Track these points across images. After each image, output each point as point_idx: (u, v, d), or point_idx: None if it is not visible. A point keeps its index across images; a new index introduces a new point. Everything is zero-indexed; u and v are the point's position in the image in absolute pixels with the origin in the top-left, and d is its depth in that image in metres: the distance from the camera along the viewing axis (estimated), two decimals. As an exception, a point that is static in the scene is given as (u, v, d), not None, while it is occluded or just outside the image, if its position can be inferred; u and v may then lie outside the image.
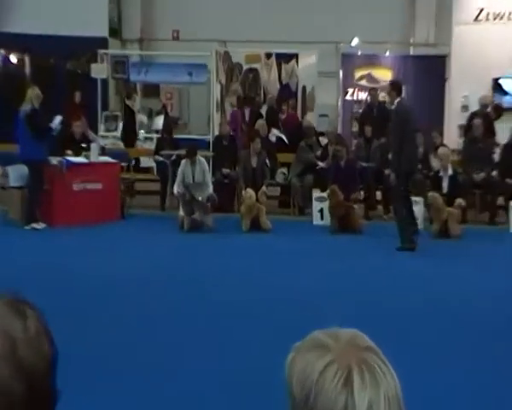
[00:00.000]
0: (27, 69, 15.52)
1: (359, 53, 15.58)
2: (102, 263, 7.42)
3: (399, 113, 8.38)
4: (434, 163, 10.65)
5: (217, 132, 12.90)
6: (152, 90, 16.13)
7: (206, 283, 6.65)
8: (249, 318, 5.55)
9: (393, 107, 8.61)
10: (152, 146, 12.90)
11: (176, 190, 9.82)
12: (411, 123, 8.47)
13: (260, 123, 12.34)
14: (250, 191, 9.74)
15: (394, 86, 8.65)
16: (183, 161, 9.98)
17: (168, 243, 8.72)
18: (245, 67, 14.75)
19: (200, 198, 9.62)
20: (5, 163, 10.26)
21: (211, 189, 9.94)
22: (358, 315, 5.38)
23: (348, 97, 15.46)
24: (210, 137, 13.08)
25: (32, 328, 0.95)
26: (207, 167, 10.11)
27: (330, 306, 5.88)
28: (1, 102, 14.04)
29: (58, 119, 9.78)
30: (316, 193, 10.76)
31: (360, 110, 14.24)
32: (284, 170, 11.75)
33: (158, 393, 3.99)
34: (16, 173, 9.94)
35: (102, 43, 15.19)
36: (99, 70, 13.96)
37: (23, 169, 9.70)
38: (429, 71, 15.07)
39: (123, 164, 11.44)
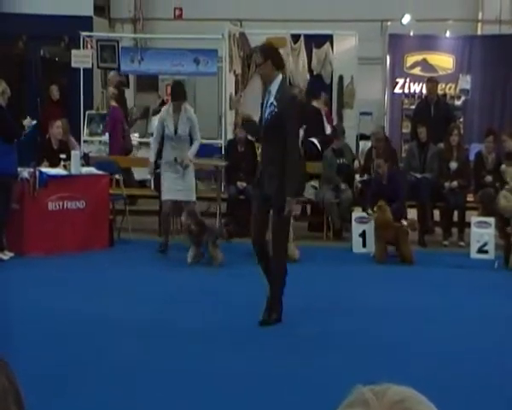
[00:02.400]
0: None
1: (411, 34, 15.67)
2: (83, 303, 7.51)
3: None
4: (508, 174, 10.64)
5: (230, 136, 13.00)
6: (149, 83, 16.33)
7: (212, 337, 6.69)
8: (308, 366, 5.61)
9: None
10: (148, 154, 13.04)
11: (152, 154, 10.19)
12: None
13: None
14: None
15: None
16: (165, 107, 10.05)
17: (171, 279, 8.80)
18: (266, 52, 14.87)
19: (179, 161, 9.75)
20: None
21: (196, 147, 9.99)
22: (424, 370, 5.42)
23: (397, 90, 15.54)
24: (221, 142, 13.21)
25: (10, 382, 1.02)
26: (196, 119, 10.00)
27: (382, 355, 5.91)
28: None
29: (29, 120, 9.97)
30: (356, 212, 10.80)
31: (413, 106, 14.30)
32: (315, 183, 11.82)
33: None
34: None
35: (86, 23, 15.43)
36: (82, 58, 14.20)
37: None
38: (503, 55, 15.10)
39: (112, 177, 11.59)
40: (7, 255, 9.59)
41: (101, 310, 7.27)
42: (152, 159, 10.24)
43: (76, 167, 10.58)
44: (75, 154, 10.72)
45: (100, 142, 14.45)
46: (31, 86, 15.05)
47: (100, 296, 7.85)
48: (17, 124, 9.91)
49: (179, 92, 10.07)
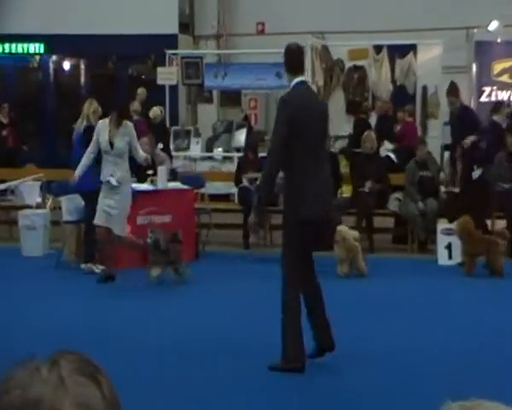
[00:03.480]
0: (82, 77, 16.39)
1: (499, 40, 15.37)
2: (171, 317, 7.69)
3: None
4: None
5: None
6: (232, 98, 16.54)
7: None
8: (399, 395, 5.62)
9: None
10: (232, 168, 13.22)
11: (83, 163, 9.32)
12: None
13: (369, 136, 12.41)
14: (344, 230, 9.62)
15: None
16: (102, 121, 9.43)
17: (254, 292, 8.89)
18: (348, 64, 14.91)
19: (113, 179, 9.03)
20: (58, 193, 10.84)
21: (141, 159, 9.55)
22: None
23: (484, 99, 15.25)
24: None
25: (108, 396, 1.05)
26: (135, 134, 9.48)
27: (474, 376, 5.82)
28: (54, 119, 14.83)
29: None
30: (442, 224, 10.66)
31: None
32: (399, 195, 11.74)
33: None
34: (71, 206, 10.48)
35: (171, 41, 15.79)
36: (167, 75, 14.54)
37: (79, 200, 10.22)
38: None
39: (197, 191, 11.81)
40: (98, 268, 9.90)
41: (185, 325, 7.42)
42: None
43: (163, 182, 10.82)
44: (162, 169, 10.97)
45: (185, 157, 14.74)
46: (119, 104, 15.46)
47: (185, 309, 8.02)
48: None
49: (125, 111, 10.10)
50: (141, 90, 14.34)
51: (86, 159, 9.27)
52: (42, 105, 16.63)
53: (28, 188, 12.11)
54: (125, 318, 7.68)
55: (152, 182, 10.86)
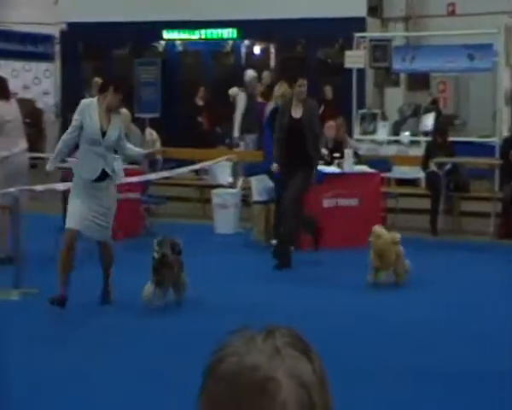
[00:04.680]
0: (272, 61, 16.70)
1: None
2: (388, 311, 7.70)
3: None
4: None
5: (506, 133, 12.53)
6: (420, 81, 16.21)
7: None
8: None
9: None
10: (419, 152, 12.99)
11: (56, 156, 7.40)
12: None
13: None
14: (378, 230, 8.24)
15: None
16: (89, 100, 7.51)
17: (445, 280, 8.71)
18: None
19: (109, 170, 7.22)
20: (249, 174, 11.17)
21: (138, 153, 8.18)
22: None
23: None
24: (496, 140, 12.75)
25: (318, 373, 1.07)
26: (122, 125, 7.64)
27: None
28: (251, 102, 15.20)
29: None
30: None
31: None
32: None
33: None
34: (260, 186, 10.75)
35: (359, 24, 15.67)
36: (355, 58, 14.46)
37: (268, 181, 10.46)
38: None
39: (383, 175, 11.70)
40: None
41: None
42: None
43: (349, 165, 10.83)
44: (348, 152, 10.98)
45: (371, 141, 14.64)
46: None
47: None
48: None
49: (123, 84, 8.06)
50: (266, 74, 14.46)
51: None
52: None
53: (221, 168, 12.57)
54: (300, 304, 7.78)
55: (338, 165, 10.89)
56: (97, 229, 7.14)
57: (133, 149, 7.93)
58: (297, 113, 9.07)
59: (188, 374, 2.97)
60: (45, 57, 16.89)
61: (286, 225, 9.25)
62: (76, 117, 7.19)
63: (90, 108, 7.17)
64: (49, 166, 7.42)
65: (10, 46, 16.06)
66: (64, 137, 7.35)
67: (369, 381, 5.43)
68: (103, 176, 7.15)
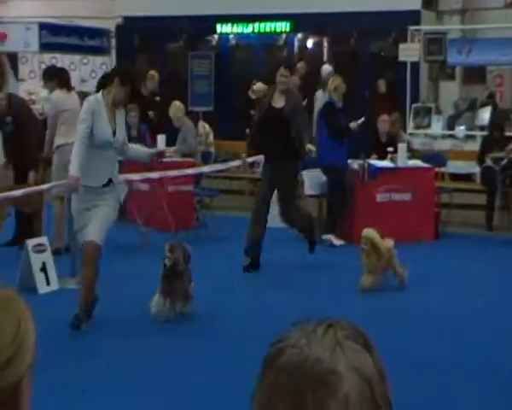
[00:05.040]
0: (325, 55, 16.61)
1: None
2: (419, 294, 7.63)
3: None
4: None
5: None
6: (475, 75, 15.90)
7: None
8: None
9: None
10: (474, 147, 12.80)
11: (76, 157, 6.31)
12: None
13: None
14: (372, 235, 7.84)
15: None
16: (94, 98, 6.50)
17: (495, 276, 8.57)
18: None
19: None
20: (302, 168, 11.12)
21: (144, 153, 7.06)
22: None
23: None
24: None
25: (378, 366, 1.07)
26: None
27: None
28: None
29: (361, 120, 10.21)
30: None
31: None
32: None
33: None
34: (312, 180, 10.72)
35: (414, 17, 15.48)
36: (409, 51, 14.30)
37: (320, 175, 10.43)
38: None
39: (437, 170, 11.56)
40: (338, 242, 10.05)
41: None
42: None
43: (403, 160, 10.72)
44: (402, 147, 10.86)
45: (425, 135, 14.46)
46: (361, 82, 15.49)
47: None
48: (345, 124, 10.19)
49: (128, 75, 6.68)
50: (300, 65, 14.29)
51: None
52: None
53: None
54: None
55: (392, 159, 10.79)
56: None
57: (138, 149, 7.11)
58: (278, 103, 8.82)
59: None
60: (102, 51, 17.10)
61: (298, 228, 9.18)
62: (85, 118, 6.29)
63: (98, 107, 6.32)
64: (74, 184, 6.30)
65: (69, 40, 16.30)
66: (78, 150, 6.30)
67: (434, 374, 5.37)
68: (108, 181, 6.44)
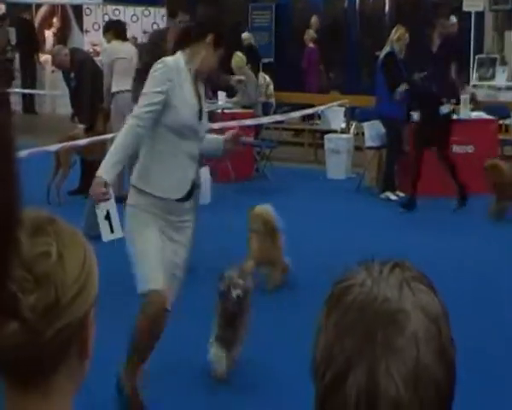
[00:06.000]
0: (387, 5, 16.28)
1: None
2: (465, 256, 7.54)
3: None
4: None
5: None
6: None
7: None
8: None
9: None
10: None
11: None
12: None
13: None
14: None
15: None
16: (172, 60, 4.08)
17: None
18: None
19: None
20: (362, 119, 11.02)
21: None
22: None
23: None
24: None
25: (444, 307, 1.06)
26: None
27: None
28: (358, 47, 14.92)
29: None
30: None
31: None
32: None
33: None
34: (372, 132, 10.59)
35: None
36: (474, 1, 13.92)
37: (380, 127, 10.30)
38: None
39: (501, 122, 11.30)
40: (396, 196, 9.93)
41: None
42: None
43: (465, 112, 10.50)
44: (464, 98, 10.63)
45: (489, 86, 14.11)
46: (423, 32, 15.15)
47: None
48: (402, 75, 9.96)
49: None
50: (314, 19, 14.09)
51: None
52: (347, 33, 16.84)
53: (333, 113, 12.46)
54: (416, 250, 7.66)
55: (453, 111, 10.57)
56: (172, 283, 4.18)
57: (210, 138, 4.41)
58: None
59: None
60: (163, 3, 17.10)
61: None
62: (156, 88, 3.99)
63: (179, 76, 4.04)
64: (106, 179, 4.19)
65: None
66: (125, 139, 4.01)
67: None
68: (191, 191, 4.20)
